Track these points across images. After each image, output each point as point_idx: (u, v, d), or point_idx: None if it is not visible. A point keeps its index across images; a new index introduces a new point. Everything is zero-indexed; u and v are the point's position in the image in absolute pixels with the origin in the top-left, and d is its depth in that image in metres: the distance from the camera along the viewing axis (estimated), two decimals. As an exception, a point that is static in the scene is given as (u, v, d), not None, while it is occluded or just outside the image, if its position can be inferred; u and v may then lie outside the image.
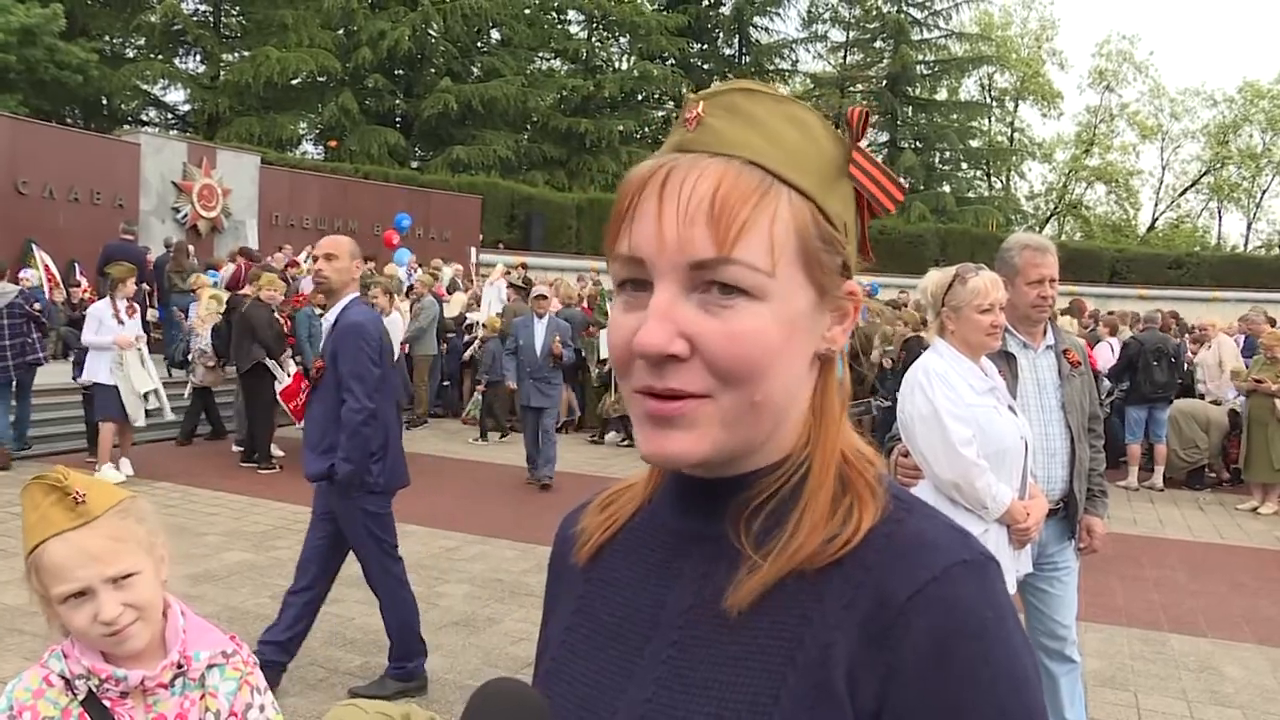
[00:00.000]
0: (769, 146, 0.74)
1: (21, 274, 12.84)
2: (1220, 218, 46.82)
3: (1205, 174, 44.70)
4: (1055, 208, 46.93)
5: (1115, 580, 7.03)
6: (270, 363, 9.82)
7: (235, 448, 10.38)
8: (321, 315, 11.23)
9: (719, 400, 0.73)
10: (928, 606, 0.70)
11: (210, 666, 1.61)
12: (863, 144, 0.78)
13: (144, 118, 31.49)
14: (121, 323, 9.15)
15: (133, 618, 1.50)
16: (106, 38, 28.82)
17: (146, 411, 9.37)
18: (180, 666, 1.57)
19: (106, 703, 1.52)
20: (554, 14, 36.52)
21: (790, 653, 0.73)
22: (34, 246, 14.43)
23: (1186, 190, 45.82)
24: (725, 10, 37.46)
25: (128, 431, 9.36)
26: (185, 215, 18.32)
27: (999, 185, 43.82)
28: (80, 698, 1.52)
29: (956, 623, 0.70)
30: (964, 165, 40.71)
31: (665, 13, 35.39)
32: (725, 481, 0.80)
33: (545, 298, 9.84)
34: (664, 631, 0.79)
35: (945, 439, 3.06)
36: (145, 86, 29.77)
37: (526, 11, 34.31)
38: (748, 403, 0.74)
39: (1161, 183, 46.42)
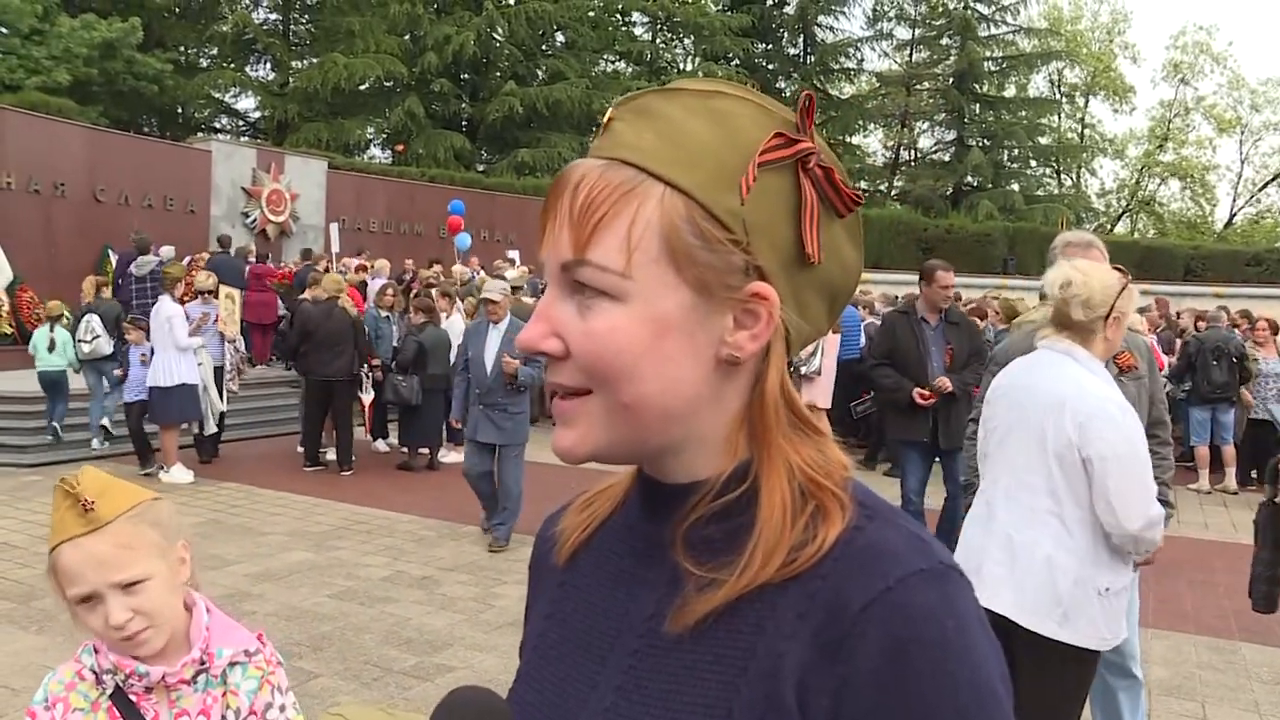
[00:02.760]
0: (657, 144, 0.72)
1: (162, 249, 13.66)
2: (1305, 212, 45.38)
3: (1288, 167, 43.35)
4: (1127, 205, 45.78)
5: (1184, 586, 6.83)
6: (364, 373, 10.21)
7: (299, 448, 10.54)
8: (387, 318, 11.47)
9: (596, 398, 0.74)
10: (883, 616, 0.68)
11: (232, 664, 1.63)
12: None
13: (216, 125, 32.36)
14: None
15: (142, 625, 1.52)
16: (181, 48, 29.70)
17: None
18: (202, 663, 1.60)
19: (132, 697, 1.56)
20: (618, 16, 36.61)
21: (743, 663, 0.71)
22: (109, 252, 14.90)
23: (1268, 184, 44.30)
24: (789, 10, 37.22)
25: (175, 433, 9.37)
26: (254, 220, 18.70)
27: (1069, 182, 42.84)
28: (108, 692, 1.57)
29: (913, 632, 0.67)
30: (1033, 162, 39.84)
31: (729, 13, 35.27)
32: (673, 489, 0.79)
33: (495, 302, 7.30)
34: (626, 639, 0.78)
35: (1144, 483, 2.65)
36: (217, 95, 30.72)
37: (590, 14, 34.46)
38: (618, 403, 0.73)
39: (1240, 177, 44.95)
